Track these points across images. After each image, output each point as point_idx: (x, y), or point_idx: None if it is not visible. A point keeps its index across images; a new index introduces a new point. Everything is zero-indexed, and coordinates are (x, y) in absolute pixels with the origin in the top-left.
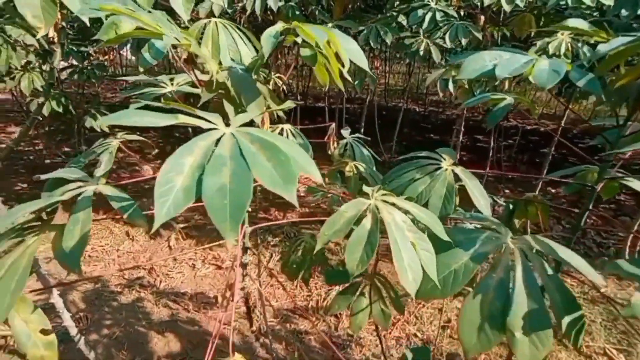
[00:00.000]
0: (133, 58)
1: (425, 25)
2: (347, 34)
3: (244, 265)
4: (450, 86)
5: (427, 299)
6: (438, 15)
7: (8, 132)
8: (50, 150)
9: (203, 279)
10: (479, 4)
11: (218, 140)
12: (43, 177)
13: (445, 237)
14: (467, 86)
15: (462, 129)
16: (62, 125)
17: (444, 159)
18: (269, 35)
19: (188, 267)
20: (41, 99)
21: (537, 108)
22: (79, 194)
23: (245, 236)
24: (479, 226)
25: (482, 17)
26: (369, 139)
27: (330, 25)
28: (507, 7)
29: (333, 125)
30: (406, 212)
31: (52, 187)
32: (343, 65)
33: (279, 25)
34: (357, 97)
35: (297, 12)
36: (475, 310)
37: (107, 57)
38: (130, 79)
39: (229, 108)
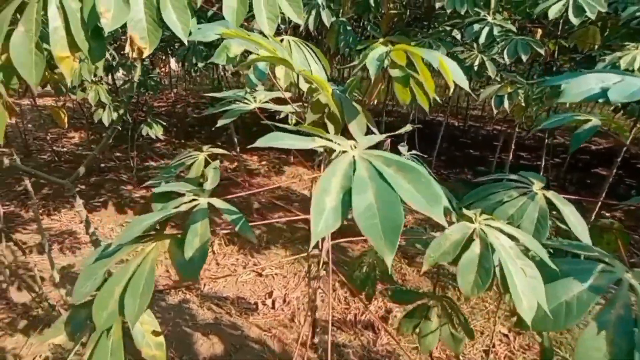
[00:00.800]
0: (178, 69)
1: (482, 40)
2: None
3: (317, 279)
4: (506, 103)
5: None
6: (495, 30)
7: (69, 137)
8: (104, 155)
9: (244, 284)
10: (537, 15)
11: (352, 162)
12: (156, 190)
13: (552, 266)
14: (523, 104)
15: (513, 147)
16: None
17: (533, 183)
18: (373, 59)
19: (230, 272)
20: (104, 110)
21: (625, 131)
22: (194, 206)
23: (328, 252)
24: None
25: (540, 31)
26: (426, 156)
27: (381, 40)
28: (575, 21)
29: (389, 141)
30: (512, 237)
31: (159, 198)
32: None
33: (383, 48)
34: (395, 109)
35: (349, 28)
36: (594, 348)
37: (159, 69)
38: (219, 94)
39: (330, 127)
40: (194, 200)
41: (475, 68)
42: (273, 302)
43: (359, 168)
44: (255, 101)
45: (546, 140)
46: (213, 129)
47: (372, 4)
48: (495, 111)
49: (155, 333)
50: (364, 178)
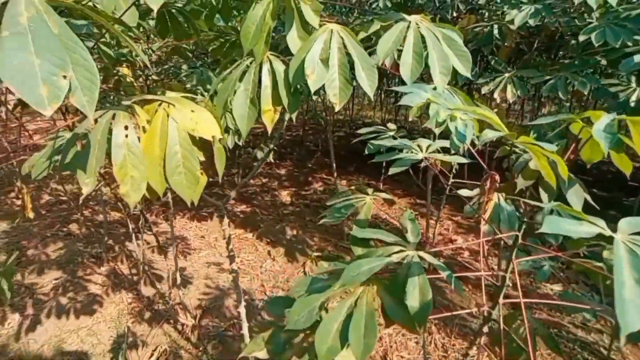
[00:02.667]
0: None
1: None
2: (526, 83)
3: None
4: None
5: None
6: None
7: None
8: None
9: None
10: None
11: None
12: (357, 234)
13: None
14: None
15: None
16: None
17: None
18: (601, 130)
19: None
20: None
21: None
22: (404, 257)
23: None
24: None
25: None
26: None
27: (506, 75)
28: None
29: (497, 177)
30: None
31: (359, 242)
32: None
33: (610, 117)
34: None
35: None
36: None
37: None
38: (386, 143)
39: (543, 196)
40: (402, 251)
41: (633, 104)
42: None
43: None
44: (422, 150)
45: None
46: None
47: (497, 37)
48: None
49: None
50: None
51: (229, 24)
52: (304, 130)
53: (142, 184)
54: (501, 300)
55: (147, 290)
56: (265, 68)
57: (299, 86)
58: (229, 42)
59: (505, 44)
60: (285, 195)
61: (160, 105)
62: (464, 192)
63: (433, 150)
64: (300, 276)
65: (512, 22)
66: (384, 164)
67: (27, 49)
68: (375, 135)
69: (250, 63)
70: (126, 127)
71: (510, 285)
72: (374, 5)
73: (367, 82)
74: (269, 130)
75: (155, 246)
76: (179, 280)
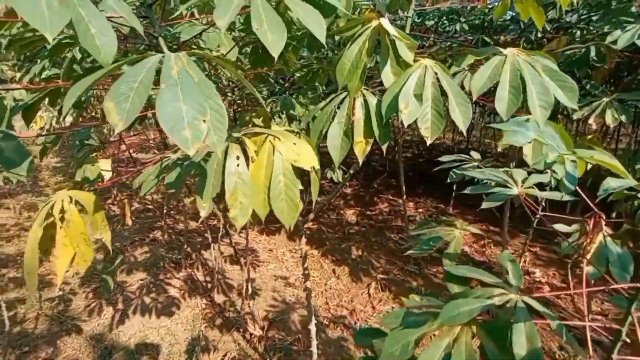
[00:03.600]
0: None
1: None
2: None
3: None
4: None
5: None
6: None
7: None
8: None
9: None
10: None
11: None
12: (453, 271)
13: None
14: None
15: None
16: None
17: None
18: None
19: None
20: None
21: None
22: (507, 301)
23: None
24: None
25: None
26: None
27: (605, 100)
28: None
29: (603, 217)
30: None
31: (455, 279)
32: None
33: None
34: None
35: None
36: None
37: None
38: (474, 174)
39: None
40: (503, 294)
41: None
42: None
43: None
44: (517, 185)
45: None
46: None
47: (595, 58)
48: None
49: None
50: None
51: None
52: (370, 150)
53: (249, 209)
54: (615, 357)
55: (219, 298)
56: (359, 102)
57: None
58: (312, 72)
59: (604, 66)
60: (350, 215)
61: (267, 137)
62: (561, 228)
63: (529, 185)
64: (365, 297)
65: (614, 42)
66: (454, 187)
67: (177, 98)
68: (459, 163)
69: (345, 97)
70: (237, 157)
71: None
72: (448, 28)
73: (461, 118)
74: (360, 160)
75: (228, 256)
76: (250, 291)
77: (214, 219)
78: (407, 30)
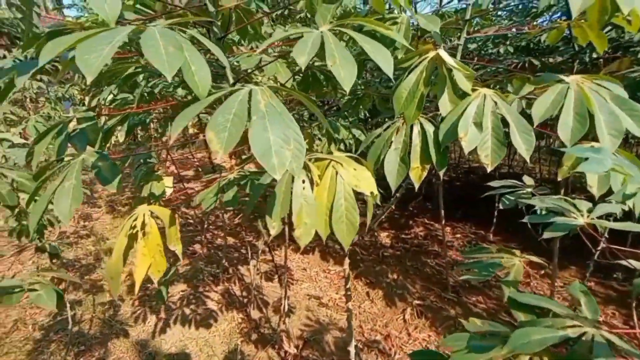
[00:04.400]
0: None
1: None
2: None
3: None
4: None
5: None
6: None
7: None
8: None
9: None
10: None
11: None
12: (516, 297)
13: None
14: None
15: None
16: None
17: None
18: None
19: (420, 347)
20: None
21: None
22: (582, 334)
23: None
24: None
25: None
26: None
27: None
28: None
29: None
30: None
31: (520, 307)
32: None
33: None
34: None
35: None
36: None
37: None
38: (531, 202)
39: None
40: (577, 326)
41: None
42: None
43: None
44: (582, 215)
45: None
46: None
47: None
48: None
49: None
50: None
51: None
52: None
53: (312, 229)
54: None
55: (255, 313)
56: (416, 129)
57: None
58: (357, 98)
59: None
60: (384, 237)
61: (329, 163)
62: (635, 264)
63: (597, 215)
64: (401, 323)
65: None
66: (495, 213)
67: (265, 129)
68: (510, 190)
69: (402, 124)
70: (303, 181)
71: None
72: (490, 51)
73: (524, 147)
74: (416, 186)
75: (264, 272)
76: (286, 308)
77: (250, 235)
78: (459, 57)
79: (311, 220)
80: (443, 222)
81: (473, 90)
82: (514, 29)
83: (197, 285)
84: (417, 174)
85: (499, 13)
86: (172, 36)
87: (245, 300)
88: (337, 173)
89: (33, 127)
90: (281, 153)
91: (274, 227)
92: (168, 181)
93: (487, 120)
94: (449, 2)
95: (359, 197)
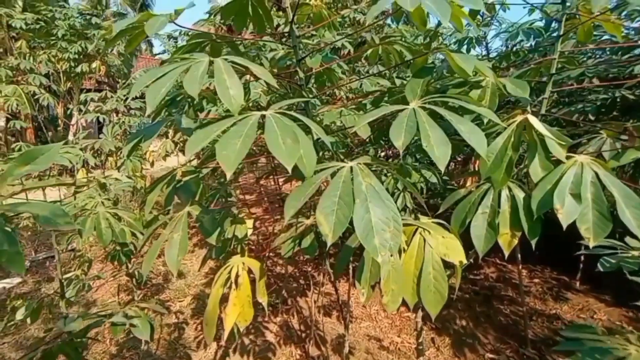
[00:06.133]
0: None
1: None
2: None
3: None
4: None
5: None
6: None
7: None
8: None
9: None
10: None
11: None
12: None
13: None
14: None
15: None
16: None
17: None
18: None
19: None
20: None
21: None
22: None
23: None
24: None
25: None
26: None
27: None
28: None
29: None
30: None
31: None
32: None
33: None
34: None
35: None
36: None
37: None
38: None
39: None
40: None
41: None
42: None
43: None
44: None
45: None
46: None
47: None
48: None
49: None
50: None
51: None
52: None
53: (400, 296)
54: None
55: (313, 350)
56: (504, 194)
57: None
58: None
59: None
60: (452, 278)
61: (416, 230)
62: None
63: None
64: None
65: None
66: (581, 258)
67: (367, 211)
68: (611, 252)
69: (488, 188)
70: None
71: None
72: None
73: (634, 223)
74: (506, 254)
75: (322, 306)
76: (347, 349)
77: (308, 265)
78: (543, 110)
79: (398, 287)
80: (519, 264)
81: (568, 157)
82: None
83: (256, 315)
84: (506, 240)
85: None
86: (289, 129)
87: (304, 335)
88: (424, 241)
89: (130, 162)
90: (382, 235)
91: (364, 293)
92: (250, 223)
93: (587, 191)
94: (519, 42)
95: (447, 265)
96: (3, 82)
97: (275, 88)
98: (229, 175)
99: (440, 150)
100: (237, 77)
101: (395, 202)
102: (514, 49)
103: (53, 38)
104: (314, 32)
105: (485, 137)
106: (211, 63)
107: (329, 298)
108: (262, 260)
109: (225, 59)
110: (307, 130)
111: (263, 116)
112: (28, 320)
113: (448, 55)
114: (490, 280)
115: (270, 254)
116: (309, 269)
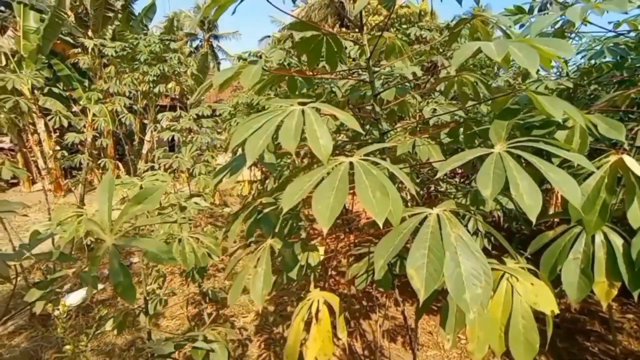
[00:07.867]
0: None
1: None
2: None
3: None
4: None
5: None
6: None
7: None
8: None
9: None
10: None
11: None
12: None
13: None
14: None
15: None
16: None
17: None
18: None
19: None
20: None
21: None
22: None
23: None
24: None
25: None
26: None
27: None
28: None
29: None
30: None
31: None
32: None
33: None
34: None
35: None
36: None
37: None
38: None
39: None
40: None
41: None
42: None
43: None
44: None
45: None
46: None
47: None
48: None
49: None
50: None
51: None
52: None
53: (485, 344)
54: None
55: None
56: (598, 239)
57: None
58: None
59: None
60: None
61: (503, 275)
62: None
63: None
64: None
65: None
66: None
67: (457, 264)
68: None
69: (580, 231)
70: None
71: None
72: None
73: None
74: (604, 305)
75: (386, 330)
76: None
77: (370, 287)
78: (639, 143)
79: (484, 334)
80: None
81: None
82: None
83: None
84: (602, 290)
85: None
86: (377, 180)
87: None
88: (512, 287)
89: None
90: (473, 290)
91: (449, 340)
92: (322, 250)
93: None
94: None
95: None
96: (92, 104)
97: (356, 131)
98: (325, 230)
99: (530, 200)
100: (326, 127)
101: (466, 226)
102: (596, 64)
103: (136, 63)
104: (390, 67)
105: (578, 186)
106: (302, 112)
107: (394, 322)
108: (340, 295)
109: (314, 107)
110: (390, 176)
111: (350, 163)
112: (114, 331)
113: (533, 97)
114: (572, 312)
115: (332, 272)
116: (373, 291)
